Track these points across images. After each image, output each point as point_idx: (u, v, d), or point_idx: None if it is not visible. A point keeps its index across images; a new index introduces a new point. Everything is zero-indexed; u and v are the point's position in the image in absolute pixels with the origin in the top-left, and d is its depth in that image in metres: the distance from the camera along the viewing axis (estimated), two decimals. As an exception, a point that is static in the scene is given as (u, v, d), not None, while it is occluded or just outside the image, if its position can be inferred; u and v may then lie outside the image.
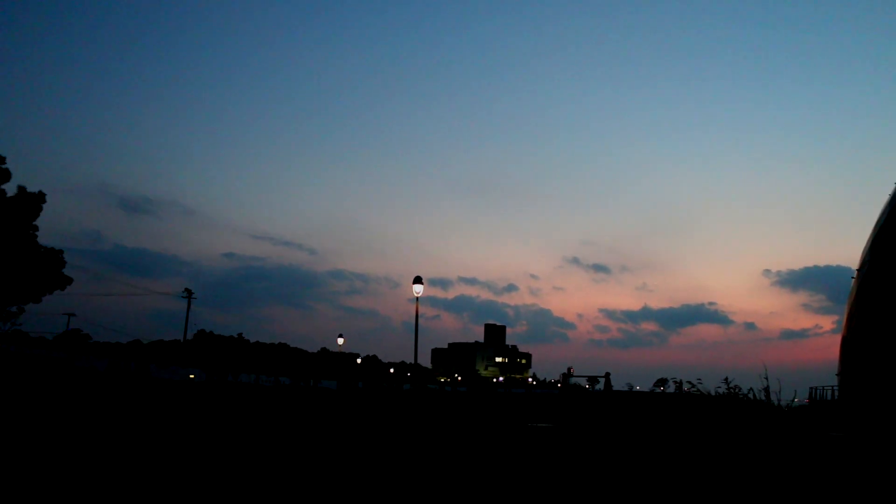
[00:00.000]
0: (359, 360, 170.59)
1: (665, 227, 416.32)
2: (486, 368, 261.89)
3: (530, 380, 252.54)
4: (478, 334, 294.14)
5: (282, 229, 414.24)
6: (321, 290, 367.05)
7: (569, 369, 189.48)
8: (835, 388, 39.74)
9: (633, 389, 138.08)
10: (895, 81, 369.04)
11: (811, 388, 40.77)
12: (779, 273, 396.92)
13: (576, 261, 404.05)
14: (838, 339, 43.29)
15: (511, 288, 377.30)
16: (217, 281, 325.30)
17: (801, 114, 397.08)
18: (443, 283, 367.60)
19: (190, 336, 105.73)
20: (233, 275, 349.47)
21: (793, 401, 23.44)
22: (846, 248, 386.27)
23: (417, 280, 40.27)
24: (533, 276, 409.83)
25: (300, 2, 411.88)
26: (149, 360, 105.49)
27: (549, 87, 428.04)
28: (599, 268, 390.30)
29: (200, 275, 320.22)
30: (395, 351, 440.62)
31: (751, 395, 20.05)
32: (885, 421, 23.43)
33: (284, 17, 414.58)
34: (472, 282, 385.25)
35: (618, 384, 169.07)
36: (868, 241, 41.36)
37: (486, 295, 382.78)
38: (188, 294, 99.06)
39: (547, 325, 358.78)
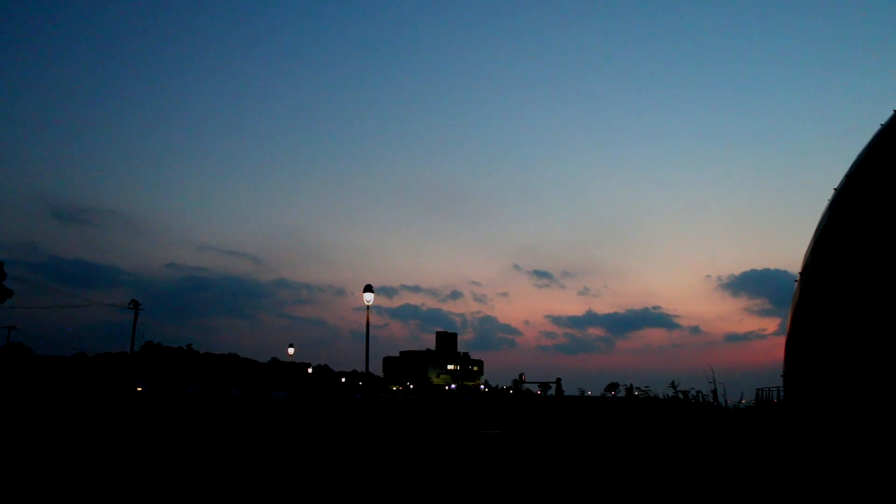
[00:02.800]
0: (310, 370, 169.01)
1: (607, 234, 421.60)
2: (438, 376, 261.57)
3: (482, 387, 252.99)
4: (427, 342, 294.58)
5: (225, 239, 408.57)
6: (267, 300, 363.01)
7: (521, 376, 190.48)
8: (780, 388, 40.49)
9: (585, 394, 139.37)
10: (833, 88, 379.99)
11: (758, 390, 41.45)
12: (720, 278, 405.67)
13: (518, 267, 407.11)
14: (783, 340, 44.18)
15: (455, 295, 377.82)
16: (162, 292, 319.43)
17: (740, 121, 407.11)
18: (387, 291, 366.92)
19: (137, 348, 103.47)
20: (177, 286, 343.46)
21: (740, 402, 23.76)
22: (787, 252, 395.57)
23: (368, 288, 39.95)
24: (476, 283, 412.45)
25: (246, 10, 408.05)
26: (95, 373, 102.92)
27: (491, 99, 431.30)
28: (542, 274, 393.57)
29: (144, 286, 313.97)
30: (346, 360, 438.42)
31: (699, 398, 20.25)
32: (827, 419, 23.84)
33: (229, 24, 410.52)
34: (415, 290, 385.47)
35: (569, 389, 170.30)
36: (810, 244, 42.31)
37: (430, 303, 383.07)
38: (135, 305, 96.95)
39: (494, 331, 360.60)
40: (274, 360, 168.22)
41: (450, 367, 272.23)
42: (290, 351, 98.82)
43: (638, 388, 24.35)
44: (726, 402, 20.23)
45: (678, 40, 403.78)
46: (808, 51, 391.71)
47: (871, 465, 13.06)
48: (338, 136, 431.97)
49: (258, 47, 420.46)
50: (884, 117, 39.95)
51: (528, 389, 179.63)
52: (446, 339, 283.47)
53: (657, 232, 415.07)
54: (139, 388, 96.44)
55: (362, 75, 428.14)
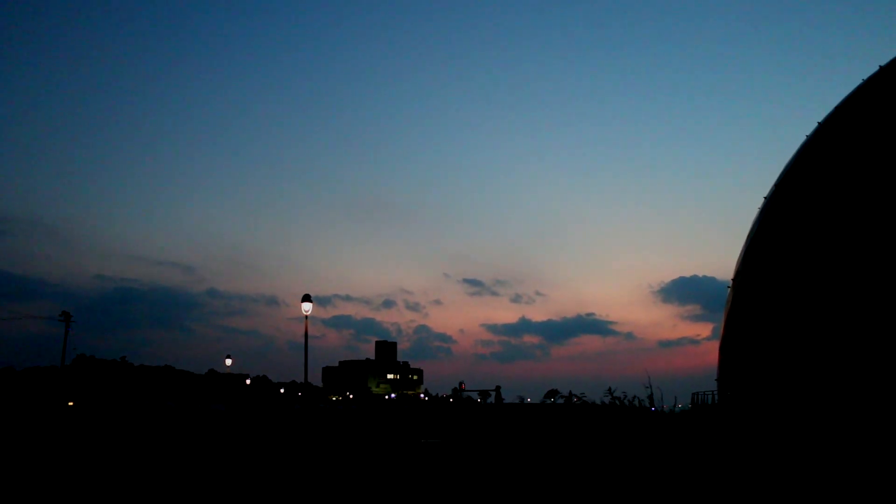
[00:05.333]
0: (248, 381, 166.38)
1: (537, 241, 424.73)
2: (378, 386, 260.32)
3: (423, 395, 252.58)
4: (364, 351, 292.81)
5: (155, 248, 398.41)
6: (199, 311, 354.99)
7: (460, 384, 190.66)
8: (715, 393, 41.31)
9: (525, 401, 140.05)
10: (764, 96, 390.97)
11: (693, 394, 42.26)
12: (651, 285, 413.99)
13: (450, 276, 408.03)
14: (716, 345, 45.16)
15: (388, 304, 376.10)
16: (91, 304, 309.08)
17: (671, 129, 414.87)
18: (319, 300, 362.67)
19: (68, 361, 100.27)
20: (107, 297, 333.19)
21: (675, 406, 24.12)
22: (716, 260, 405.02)
23: (306, 298, 39.42)
24: (408, 292, 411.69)
25: (175, 15, 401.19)
26: (25, 387, 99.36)
27: (419, 109, 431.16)
28: (473, 282, 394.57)
29: (71, 298, 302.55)
30: (284, 370, 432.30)
31: (635, 403, 20.47)
32: (759, 421, 24.36)
33: (156, 28, 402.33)
34: (347, 299, 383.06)
35: (509, 397, 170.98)
36: (741, 252, 43.39)
37: (364, 312, 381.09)
38: (66, 317, 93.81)
39: (429, 340, 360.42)
40: (211, 371, 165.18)
41: (389, 376, 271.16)
42: (228, 362, 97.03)
43: (576, 395, 24.49)
44: (662, 406, 20.51)
45: (607, 46, 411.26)
46: (740, 58, 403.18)
47: (793, 463, 13.34)
48: (269, 145, 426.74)
49: (187, 52, 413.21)
50: (810, 128, 41.32)
51: (468, 397, 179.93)
52: (385, 349, 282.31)
53: (588, 239, 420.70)
54: (70, 403, 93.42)
55: (293, 84, 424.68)
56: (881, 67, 38.72)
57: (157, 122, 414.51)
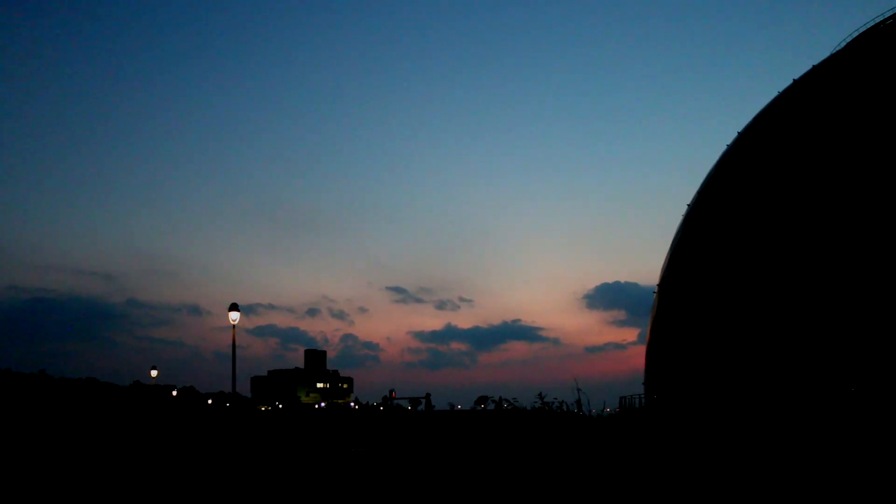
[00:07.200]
0: (174, 393, 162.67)
1: (460, 248, 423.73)
2: (307, 395, 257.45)
3: (353, 404, 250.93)
4: (292, 360, 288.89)
5: (71, 258, 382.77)
6: (120, 322, 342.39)
7: (391, 392, 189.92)
8: (642, 396, 42.17)
9: (455, 408, 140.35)
10: (687, 103, 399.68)
11: (621, 398, 43.05)
12: (576, 291, 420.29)
13: (373, 284, 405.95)
14: (642, 350, 46.14)
15: (313, 312, 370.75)
16: (4, 317, 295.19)
17: (594, 135, 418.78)
18: (243, 309, 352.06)
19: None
20: (22, 309, 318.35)
21: (603, 410, 24.59)
22: (638, 265, 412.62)
23: (234, 307, 38.87)
24: (332, 300, 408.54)
25: (101, 27, 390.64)
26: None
27: (338, 115, 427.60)
28: (397, 290, 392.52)
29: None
30: (211, 381, 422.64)
31: (564, 408, 20.80)
32: (683, 421, 24.99)
33: (63, 30, 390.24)
34: (271, 308, 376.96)
35: (439, 404, 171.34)
36: (666, 258, 44.53)
37: (288, 321, 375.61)
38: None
39: (357, 348, 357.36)
40: (136, 383, 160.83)
41: (319, 385, 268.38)
42: (154, 373, 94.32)
43: (506, 401, 24.65)
44: (591, 410, 20.92)
45: (529, 49, 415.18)
46: (663, 66, 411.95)
47: (713, 459, 13.77)
48: (188, 152, 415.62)
49: (101, 55, 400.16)
50: (731, 137, 42.76)
51: (398, 405, 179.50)
52: (315, 358, 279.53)
53: (512, 245, 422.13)
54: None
55: (215, 92, 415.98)
56: (794, 81, 40.39)
57: (71, 125, 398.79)
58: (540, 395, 21.85)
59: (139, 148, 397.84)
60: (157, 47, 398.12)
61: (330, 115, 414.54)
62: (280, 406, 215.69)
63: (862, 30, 41.51)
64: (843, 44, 41.80)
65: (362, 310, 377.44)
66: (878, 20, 40.72)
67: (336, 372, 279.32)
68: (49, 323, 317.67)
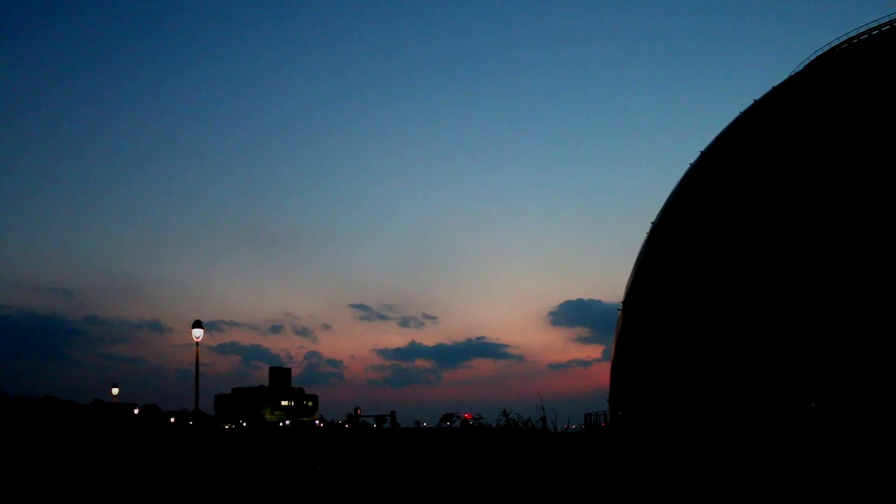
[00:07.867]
0: (136, 411, 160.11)
1: (425, 265, 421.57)
2: (272, 413, 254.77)
3: (318, 422, 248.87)
4: (256, 378, 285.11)
5: (26, 273, 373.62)
6: (79, 339, 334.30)
7: (356, 409, 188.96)
8: (607, 413, 42.33)
9: (421, 426, 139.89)
10: (651, 122, 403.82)
11: (586, 415, 43.15)
12: (539, 308, 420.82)
13: (335, 301, 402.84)
14: (607, 367, 46.39)
15: (276, 329, 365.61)
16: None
17: (558, 154, 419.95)
18: (205, 326, 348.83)
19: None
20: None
21: (568, 427, 24.64)
22: (601, 283, 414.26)
23: (197, 324, 38.57)
24: (295, 317, 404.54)
25: (60, 37, 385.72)
26: None
27: (302, 130, 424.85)
28: (360, 307, 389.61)
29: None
30: (174, 399, 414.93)
31: (528, 425, 20.82)
32: (648, 438, 25.15)
33: (26, 41, 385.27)
34: (233, 325, 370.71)
35: (405, 422, 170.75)
36: (630, 276, 44.93)
37: (251, 338, 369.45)
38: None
39: (321, 366, 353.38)
40: (97, 401, 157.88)
41: (284, 403, 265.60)
42: (115, 391, 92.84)
43: (473, 418, 24.64)
44: (556, 427, 20.95)
45: (494, 72, 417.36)
46: (629, 82, 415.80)
47: (676, 474, 13.89)
48: (147, 166, 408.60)
49: (62, 64, 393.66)
50: (694, 155, 43.42)
51: (364, 423, 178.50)
52: (280, 375, 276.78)
53: (476, 262, 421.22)
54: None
55: (176, 108, 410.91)
56: (755, 101, 41.24)
57: (27, 137, 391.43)
58: (504, 412, 21.87)
59: (95, 162, 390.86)
60: (131, 63, 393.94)
61: (292, 133, 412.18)
62: (244, 424, 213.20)
63: (819, 52, 42.70)
64: (801, 66, 42.87)
65: (326, 327, 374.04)
66: (832, 45, 42.07)
67: (301, 389, 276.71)
68: (5, 340, 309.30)
